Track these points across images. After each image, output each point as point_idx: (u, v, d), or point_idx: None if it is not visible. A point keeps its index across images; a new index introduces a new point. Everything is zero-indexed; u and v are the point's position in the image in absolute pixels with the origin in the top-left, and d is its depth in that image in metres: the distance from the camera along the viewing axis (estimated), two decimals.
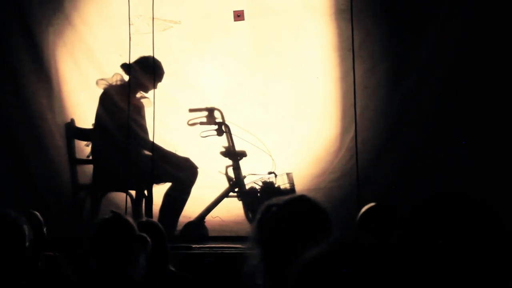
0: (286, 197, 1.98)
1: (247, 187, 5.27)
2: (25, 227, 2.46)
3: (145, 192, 5.14)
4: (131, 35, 5.19)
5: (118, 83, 5.35)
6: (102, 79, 5.37)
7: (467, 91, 5.08)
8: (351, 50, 5.15)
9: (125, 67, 5.28)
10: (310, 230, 1.87)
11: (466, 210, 1.48)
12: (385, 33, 5.42)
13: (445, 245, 1.43)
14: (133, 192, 5.14)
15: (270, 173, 5.26)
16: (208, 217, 5.31)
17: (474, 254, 1.42)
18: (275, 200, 1.98)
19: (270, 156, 5.36)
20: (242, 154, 5.34)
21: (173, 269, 3.27)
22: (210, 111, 5.39)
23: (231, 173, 5.33)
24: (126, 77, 5.33)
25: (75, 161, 5.37)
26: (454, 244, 1.43)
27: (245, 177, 5.31)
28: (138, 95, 5.37)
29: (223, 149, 5.35)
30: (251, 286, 1.88)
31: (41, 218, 3.40)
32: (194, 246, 4.67)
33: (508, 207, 4.70)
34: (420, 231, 1.47)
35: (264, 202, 2.00)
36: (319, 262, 1.12)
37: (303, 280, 1.12)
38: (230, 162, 5.35)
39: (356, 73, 5.12)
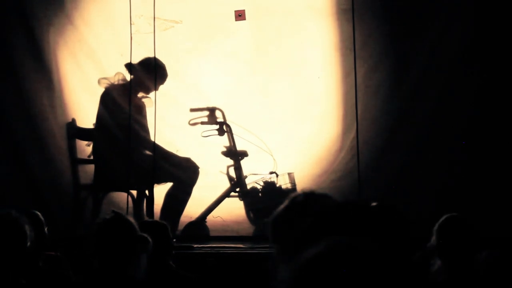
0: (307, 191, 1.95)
1: (248, 187, 5.27)
2: (27, 227, 2.46)
3: (146, 192, 5.14)
4: (132, 35, 5.18)
5: (120, 82, 5.34)
6: (104, 78, 5.36)
7: (468, 91, 5.08)
8: (353, 50, 5.15)
9: (128, 67, 5.27)
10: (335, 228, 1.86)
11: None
12: (386, 33, 5.42)
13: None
14: (134, 192, 5.14)
15: (271, 173, 5.25)
16: (209, 217, 5.31)
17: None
18: (296, 194, 1.95)
19: (272, 156, 5.36)
20: (244, 154, 5.34)
21: (174, 268, 3.27)
22: (212, 110, 5.38)
23: (232, 173, 5.33)
24: (128, 77, 5.33)
25: (76, 161, 5.37)
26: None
27: (246, 177, 5.30)
28: (140, 94, 5.36)
29: (224, 149, 5.35)
30: (273, 281, 1.87)
31: (42, 218, 3.40)
32: (195, 246, 4.67)
33: (508, 207, 4.73)
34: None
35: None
36: (317, 263, 1.12)
37: (300, 281, 1.11)
38: (231, 162, 5.35)
39: (357, 73, 5.12)
